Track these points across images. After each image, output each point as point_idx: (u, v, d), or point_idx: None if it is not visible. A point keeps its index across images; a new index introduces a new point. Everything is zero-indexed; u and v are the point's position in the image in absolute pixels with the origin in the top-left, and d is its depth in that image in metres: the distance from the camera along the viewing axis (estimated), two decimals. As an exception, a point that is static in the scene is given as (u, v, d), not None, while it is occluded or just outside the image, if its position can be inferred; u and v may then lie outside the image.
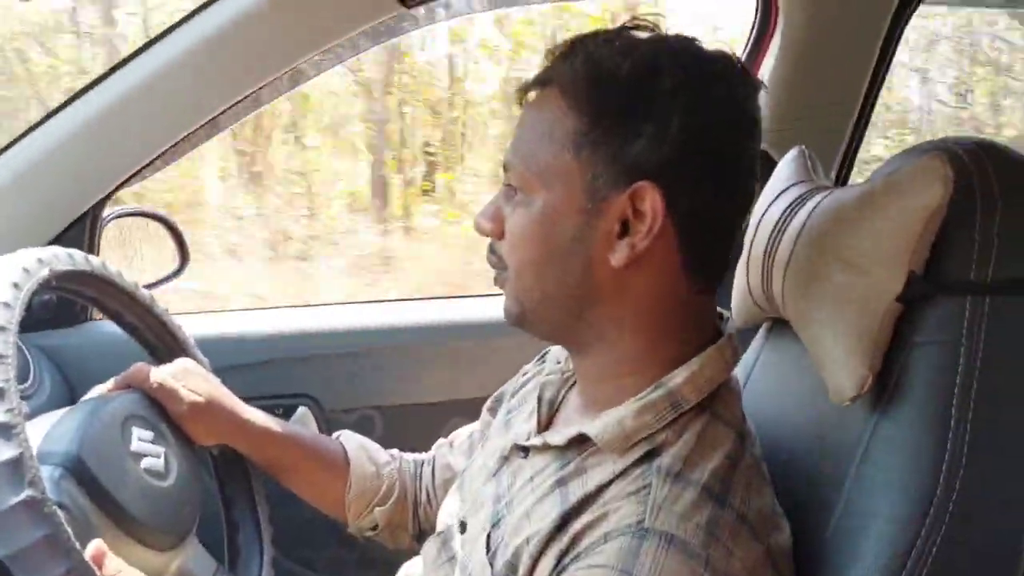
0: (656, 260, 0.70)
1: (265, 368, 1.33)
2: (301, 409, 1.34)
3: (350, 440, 1.02)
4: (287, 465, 0.97)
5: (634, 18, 0.74)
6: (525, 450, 0.78)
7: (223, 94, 1.20)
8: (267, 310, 1.60)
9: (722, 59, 0.71)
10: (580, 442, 0.72)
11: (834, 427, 0.79)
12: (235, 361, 1.23)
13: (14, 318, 0.69)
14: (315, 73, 1.32)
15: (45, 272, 0.76)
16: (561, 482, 0.71)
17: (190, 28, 1.17)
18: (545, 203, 0.71)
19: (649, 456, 0.68)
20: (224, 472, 0.97)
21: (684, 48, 0.71)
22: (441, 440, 1.05)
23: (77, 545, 0.64)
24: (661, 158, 0.67)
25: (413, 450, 1.07)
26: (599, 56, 0.70)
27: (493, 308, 1.44)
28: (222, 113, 1.22)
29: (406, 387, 1.40)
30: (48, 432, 0.77)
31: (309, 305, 1.67)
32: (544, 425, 0.81)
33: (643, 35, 0.72)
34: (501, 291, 0.77)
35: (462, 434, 1.03)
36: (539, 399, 0.83)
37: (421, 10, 1.25)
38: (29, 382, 1.14)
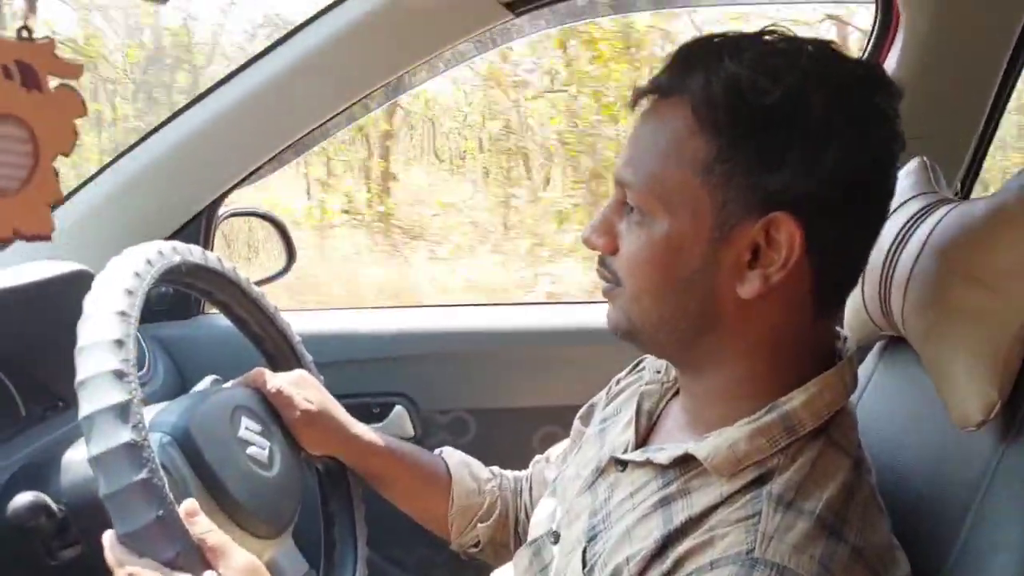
0: (785, 291, 0.66)
1: (365, 366, 1.36)
2: (397, 408, 1.36)
3: (452, 456, 1.02)
4: (391, 479, 0.98)
5: (769, 26, 0.67)
6: (623, 464, 0.76)
7: (332, 101, 1.25)
8: (369, 310, 1.63)
9: (865, 69, 0.66)
10: (684, 461, 0.69)
11: (955, 455, 0.74)
12: (336, 358, 1.26)
13: (136, 304, 0.72)
14: (418, 82, 1.34)
15: (164, 265, 0.79)
16: (664, 502, 0.69)
17: (302, 38, 1.22)
18: (669, 229, 0.66)
19: (759, 481, 0.65)
20: (328, 488, 0.98)
21: (829, 68, 0.64)
22: (538, 457, 1.04)
23: (171, 496, 0.65)
24: (805, 190, 0.63)
25: (504, 454, 1.06)
26: (740, 77, 0.63)
27: (587, 315, 1.43)
28: (330, 120, 1.26)
29: (499, 391, 1.40)
30: (161, 408, 0.81)
31: (409, 306, 1.70)
32: (643, 437, 0.79)
33: (781, 46, 0.65)
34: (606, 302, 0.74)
35: (558, 449, 1.01)
36: (638, 410, 0.80)
37: (527, 17, 1.25)
38: (144, 370, 1.20)
